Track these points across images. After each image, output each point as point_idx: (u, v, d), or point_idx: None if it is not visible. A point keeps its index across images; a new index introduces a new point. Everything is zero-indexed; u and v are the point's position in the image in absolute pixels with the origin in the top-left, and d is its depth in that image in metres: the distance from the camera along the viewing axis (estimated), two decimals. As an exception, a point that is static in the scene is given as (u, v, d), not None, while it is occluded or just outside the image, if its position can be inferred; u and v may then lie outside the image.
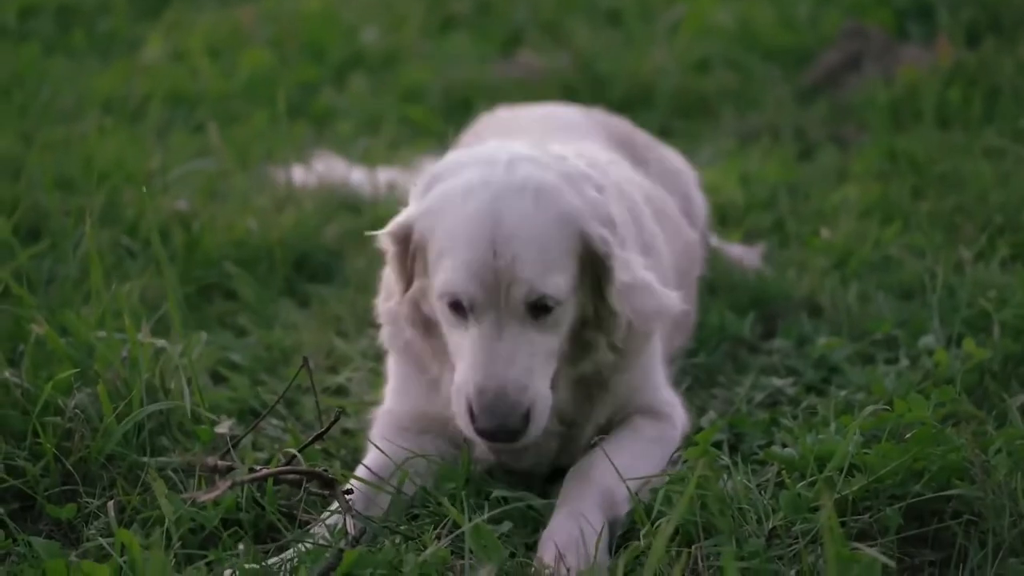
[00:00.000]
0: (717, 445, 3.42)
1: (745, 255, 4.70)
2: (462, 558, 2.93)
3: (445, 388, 3.22)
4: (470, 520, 2.98)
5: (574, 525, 3.00)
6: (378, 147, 5.78)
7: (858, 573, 2.75)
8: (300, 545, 3.02)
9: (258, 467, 3.25)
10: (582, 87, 6.46)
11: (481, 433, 3.04)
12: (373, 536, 3.10)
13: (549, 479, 3.33)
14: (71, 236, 4.17)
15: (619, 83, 6.64)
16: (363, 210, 5.05)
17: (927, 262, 4.46)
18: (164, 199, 4.74)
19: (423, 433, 3.36)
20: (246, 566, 2.93)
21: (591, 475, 3.16)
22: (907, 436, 3.16)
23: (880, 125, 5.92)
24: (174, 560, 3.00)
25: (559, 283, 3.06)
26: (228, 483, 3.08)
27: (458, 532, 2.98)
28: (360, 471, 3.26)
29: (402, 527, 3.12)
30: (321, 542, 3.02)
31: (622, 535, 3.09)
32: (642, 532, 2.99)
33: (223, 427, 3.48)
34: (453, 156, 3.32)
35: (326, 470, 3.19)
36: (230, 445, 3.36)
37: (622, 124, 4.48)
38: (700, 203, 4.51)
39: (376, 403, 3.56)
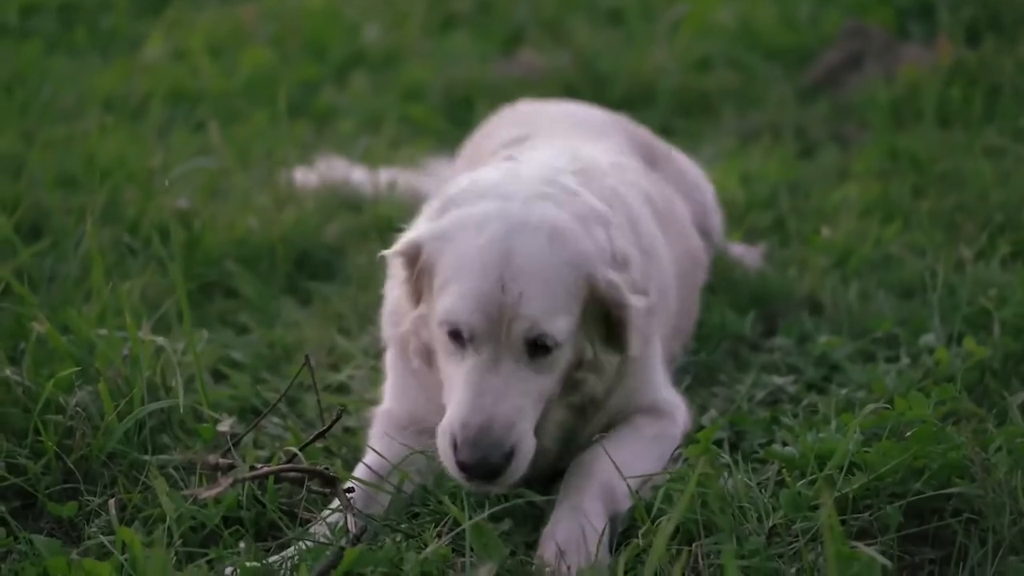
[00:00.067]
0: (718, 443, 3.43)
1: (747, 254, 4.71)
2: (463, 556, 2.93)
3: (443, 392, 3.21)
4: (470, 518, 2.98)
5: (575, 522, 3.01)
6: (379, 146, 5.78)
7: (858, 571, 2.75)
8: (301, 543, 3.03)
9: (259, 465, 3.25)
10: (583, 86, 6.46)
11: (462, 467, 2.98)
12: (374, 534, 3.10)
13: (550, 476, 3.32)
14: (72, 234, 4.18)
15: (620, 82, 6.64)
16: (364, 208, 5.05)
17: (928, 261, 4.47)
18: (165, 197, 4.74)
19: (422, 433, 3.35)
20: (247, 564, 2.93)
21: (592, 470, 3.16)
22: (907, 434, 3.17)
23: (881, 124, 5.92)
24: (175, 558, 3.01)
25: (561, 325, 3.04)
26: (229, 481, 3.08)
27: (459, 530, 2.98)
28: (360, 469, 3.26)
29: (403, 525, 3.12)
30: (322, 540, 3.02)
31: (622, 532, 3.10)
32: (641, 531, 2.99)
33: (224, 425, 3.48)
34: (472, 181, 3.27)
35: (327, 468, 3.19)
36: (231, 443, 3.37)
37: (642, 130, 4.50)
38: (716, 218, 4.56)
39: (377, 402, 3.56)
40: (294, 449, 3.31)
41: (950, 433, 3.13)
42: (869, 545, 2.84)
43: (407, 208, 4.79)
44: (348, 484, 3.16)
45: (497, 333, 3.01)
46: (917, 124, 5.83)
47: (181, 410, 3.50)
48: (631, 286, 3.17)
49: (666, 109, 6.42)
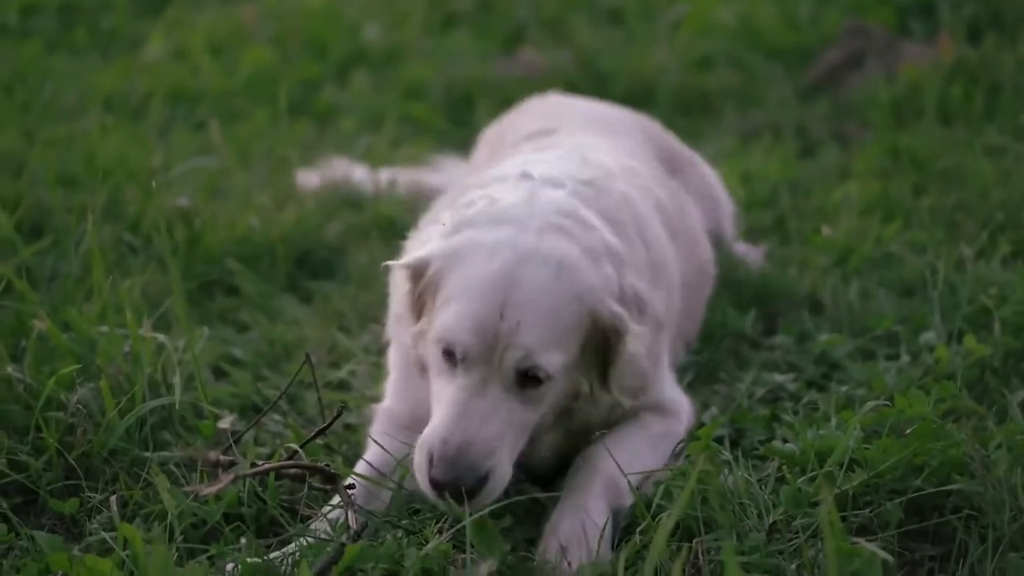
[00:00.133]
0: (718, 440, 3.43)
1: (748, 253, 4.71)
2: (464, 552, 2.93)
3: None
4: (471, 514, 2.98)
5: (576, 519, 3.01)
6: (380, 144, 5.78)
7: (858, 567, 2.76)
8: (302, 539, 3.03)
9: (260, 462, 3.25)
10: (584, 84, 6.46)
11: (434, 483, 2.97)
12: (375, 530, 3.10)
13: (551, 472, 3.32)
14: (73, 233, 4.18)
15: (621, 81, 6.64)
16: (364, 207, 5.05)
17: (928, 259, 4.47)
18: (166, 196, 4.74)
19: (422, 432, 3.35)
20: (248, 560, 2.93)
21: (596, 465, 3.17)
22: (907, 432, 3.17)
23: (882, 122, 5.92)
24: (176, 554, 3.01)
25: (553, 360, 3.04)
26: (230, 478, 3.08)
27: (459, 526, 2.98)
28: (361, 466, 3.27)
29: (404, 521, 3.12)
30: (323, 536, 3.03)
31: (623, 528, 3.10)
32: (639, 528, 2.99)
33: (225, 422, 3.49)
34: (490, 202, 3.25)
35: (328, 465, 3.20)
36: (232, 440, 3.37)
37: (668, 135, 4.51)
38: (731, 230, 4.59)
39: (378, 399, 3.56)
40: (295, 446, 3.31)
41: (950, 430, 3.13)
42: (869, 541, 2.84)
43: (408, 206, 4.81)
44: (349, 480, 3.16)
45: (490, 358, 3.01)
46: (918, 123, 5.83)
47: (180, 407, 3.50)
48: (637, 320, 3.16)
49: (667, 108, 6.41)
